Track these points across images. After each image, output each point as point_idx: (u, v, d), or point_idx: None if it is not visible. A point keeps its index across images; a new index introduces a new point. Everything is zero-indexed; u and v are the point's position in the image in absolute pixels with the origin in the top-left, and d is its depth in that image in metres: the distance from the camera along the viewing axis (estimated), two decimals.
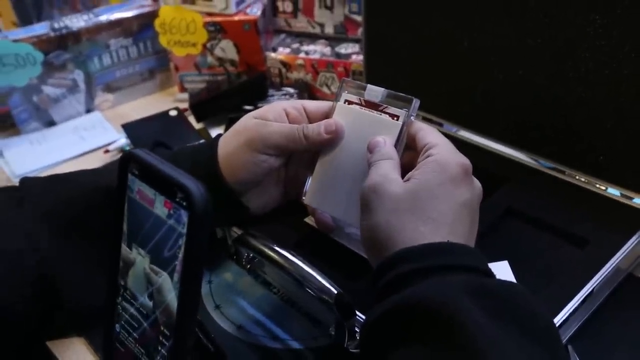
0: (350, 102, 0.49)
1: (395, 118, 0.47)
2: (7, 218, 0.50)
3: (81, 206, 0.50)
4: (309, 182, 0.51)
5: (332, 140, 0.48)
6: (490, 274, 0.38)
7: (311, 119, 0.51)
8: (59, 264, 0.49)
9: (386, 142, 0.45)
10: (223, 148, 0.50)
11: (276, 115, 0.50)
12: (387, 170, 0.43)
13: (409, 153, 0.46)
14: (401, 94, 0.47)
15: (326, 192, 0.50)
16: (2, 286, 0.48)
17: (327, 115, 0.50)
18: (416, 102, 0.46)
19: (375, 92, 0.48)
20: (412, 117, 0.46)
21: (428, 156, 0.42)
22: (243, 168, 0.49)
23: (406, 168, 0.44)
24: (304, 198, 0.51)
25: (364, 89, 0.49)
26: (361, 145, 0.47)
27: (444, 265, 0.37)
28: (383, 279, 0.38)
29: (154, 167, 0.37)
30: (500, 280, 0.37)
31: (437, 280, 0.36)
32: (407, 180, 0.41)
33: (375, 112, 0.48)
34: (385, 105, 0.47)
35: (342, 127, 0.48)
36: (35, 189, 0.51)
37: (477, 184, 0.43)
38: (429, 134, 0.45)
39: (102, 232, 0.49)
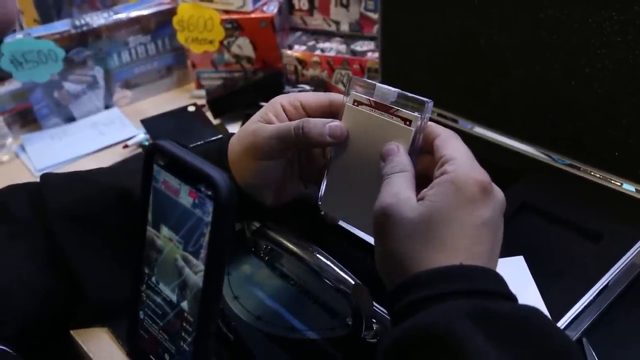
0: (359, 103, 0.46)
1: (407, 122, 0.43)
2: (28, 214, 0.51)
3: (99, 205, 0.51)
4: (323, 187, 0.49)
5: (336, 144, 0.47)
6: (507, 295, 0.37)
7: (310, 113, 0.49)
8: (79, 260, 0.50)
9: (400, 150, 0.43)
10: (231, 152, 0.50)
11: (276, 113, 0.49)
12: (400, 187, 0.40)
13: (426, 157, 0.44)
14: (413, 95, 0.43)
15: (341, 200, 0.48)
16: (23, 281, 0.49)
17: (326, 109, 0.49)
18: (429, 105, 0.43)
19: (385, 92, 0.45)
20: (425, 121, 0.43)
21: (444, 173, 0.40)
22: (249, 175, 0.49)
23: (422, 175, 0.42)
24: (319, 203, 0.50)
25: (374, 88, 0.45)
26: (373, 150, 0.45)
27: (455, 290, 0.35)
28: (397, 305, 0.37)
29: (180, 157, 0.38)
30: (512, 304, 0.36)
31: (444, 306, 0.35)
32: (422, 199, 0.39)
33: (385, 114, 0.45)
34: (397, 108, 0.44)
35: (346, 133, 0.46)
36: (55, 187, 0.52)
37: (498, 196, 0.40)
38: (446, 142, 0.42)
39: (120, 230, 0.50)
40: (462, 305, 0.34)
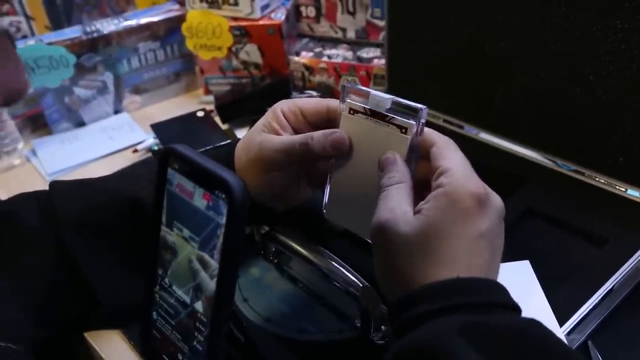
0: (355, 111, 0.46)
1: (403, 130, 0.43)
2: (39, 223, 0.51)
3: (108, 213, 0.52)
4: (327, 196, 0.49)
5: (339, 154, 0.47)
6: (508, 305, 0.37)
7: (309, 120, 0.50)
8: (91, 267, 0.50)
9: (397, 159, 0.43)
10: (237, 162, 0.50)
11: (278, 120, 0.49)
12: (396, 202, 0.40)
13: (424, 164, 0.44)
14: (407, 102, 0.43)
15: (344, 208, 0.48)
16: (36, 289, 0.49)
17: (324, 115, 0.49)
18: (424, 111, 0.42)
19: (379, 100, 0.44)
20: (421, 127, 0.43)
21: (439, 185, 0.39)
22: (256, 185, 0.49)
23: (421, 182, 0.43)
24: (324, 211, 0.50)
25: (368, 96, 0.45)
26: (372, 158, 0.45)
27: (450, 305, 0.35)
28: (396, 321, 0.38)
29: (194, 161, 0.39)
30: (510, 317, 0.36)
31: (438, 323, 0.35)
32: (418, 212, 0.39)
33: (382, 122, 0.44)
34: (392, 116, 0.43)
35: (348, 144, 0.46)
36: (64, 195, 0.53)
37: (495, 204, 0.40)
38: (443, 151, 0.42)
39: (130, 237, 0.51)
40: (455, 321, 0.34)
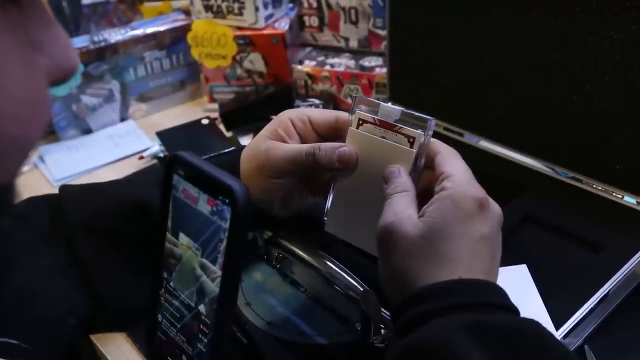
0: (364, 121, 0.47)
1: (410, 139, 0.44)
2: (49, 226, 0.52)
3: (117, 218, 0.53)
4: (328, 208, 0.50)
5: (346, 169, 0.47)
6: (508, 307, 0.38)
7: (317, 130, 0.51)
8: (99, 270, 0.52)
9: (401, 172, 0.44)
10: (242, 168, 0.51)
11: (285, 128, 0.50)
12: (401, 206, 0.41)
13: (428, 173, 0.45)
14: (417, 113, 0.44)
15: (346, 221, 0.49)
16: (46, 291, 0.50)
17: (333, 124, 0.50)
18: (432, 122, 0.44)
19: (389, 111, 0.45)
20: (428, 137, 0.44)
21: (442, 189, 0.41)
22: (260, 192, 0.50)
23: (425, 191, 0.44)
24: (325, 219, 0.51)
25: (378, 107, 0.46)
26: (377, 172, 0.46)
27: (452, 305, 0.36)
28: (399, 321, 0.39)
29: (199, 168, 0.40)
30: (510, 317, 0.37)
31: (441, 321, 0.35)
32: (422, 215, 0.40)
33: (390, 132, 0.45)
34: (400, 126, 0.45)
35: (355, 160, 0.47)
36: (74, 199, 0.54)
37: (495, 211, 0.41)
38: (445, 159, 0.43)
39: (137, 241, 0.52)
40: (458, 320, 0.35)
